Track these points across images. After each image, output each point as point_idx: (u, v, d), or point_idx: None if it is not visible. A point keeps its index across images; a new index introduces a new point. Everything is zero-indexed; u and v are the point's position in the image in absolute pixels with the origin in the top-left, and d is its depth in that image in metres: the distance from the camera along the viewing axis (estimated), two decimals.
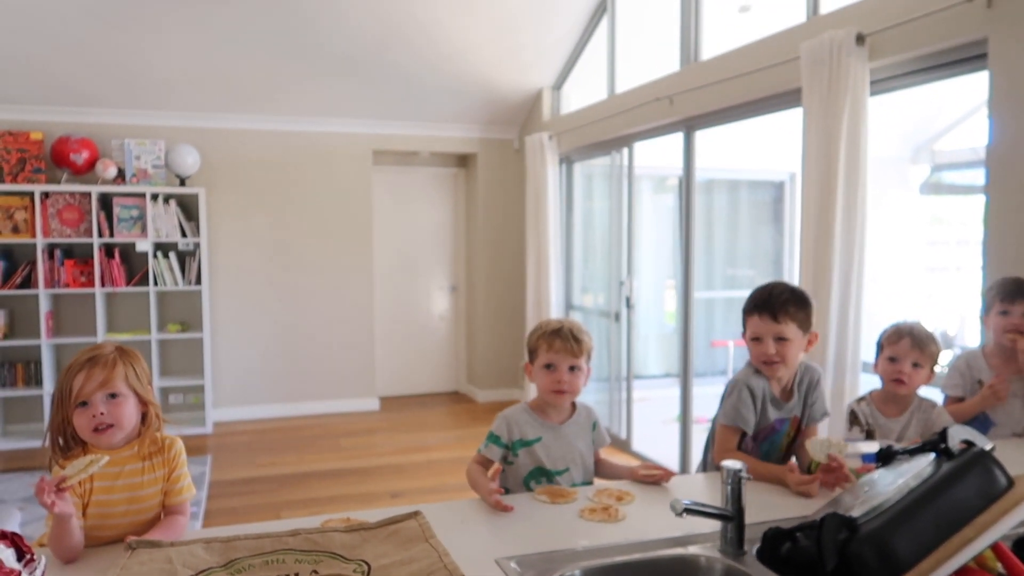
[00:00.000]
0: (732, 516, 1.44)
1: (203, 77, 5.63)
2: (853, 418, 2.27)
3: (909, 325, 2.21)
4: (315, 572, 1.34)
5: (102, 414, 1.56)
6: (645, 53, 5.37)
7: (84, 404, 1.56)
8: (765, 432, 2.08)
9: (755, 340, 2.06)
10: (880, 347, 2.24)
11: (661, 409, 5.75)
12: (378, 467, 5.08)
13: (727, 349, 6.67)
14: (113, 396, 1.58)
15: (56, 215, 5.55)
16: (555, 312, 6.01)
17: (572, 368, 2.00)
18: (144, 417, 1.65)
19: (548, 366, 2.01)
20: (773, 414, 2.07)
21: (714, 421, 2.16)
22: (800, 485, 1.83)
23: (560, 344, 1.99)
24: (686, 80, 4.44)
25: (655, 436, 5.42)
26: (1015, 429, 2.33)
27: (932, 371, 2.18)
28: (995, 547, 1.23)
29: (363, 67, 5.73)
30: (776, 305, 2.03)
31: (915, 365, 2.15)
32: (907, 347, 2.16)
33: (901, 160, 6.28)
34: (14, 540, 1.29)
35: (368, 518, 1.56)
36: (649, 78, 4.83)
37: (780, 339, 2.02)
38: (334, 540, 1.44)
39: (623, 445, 5.40)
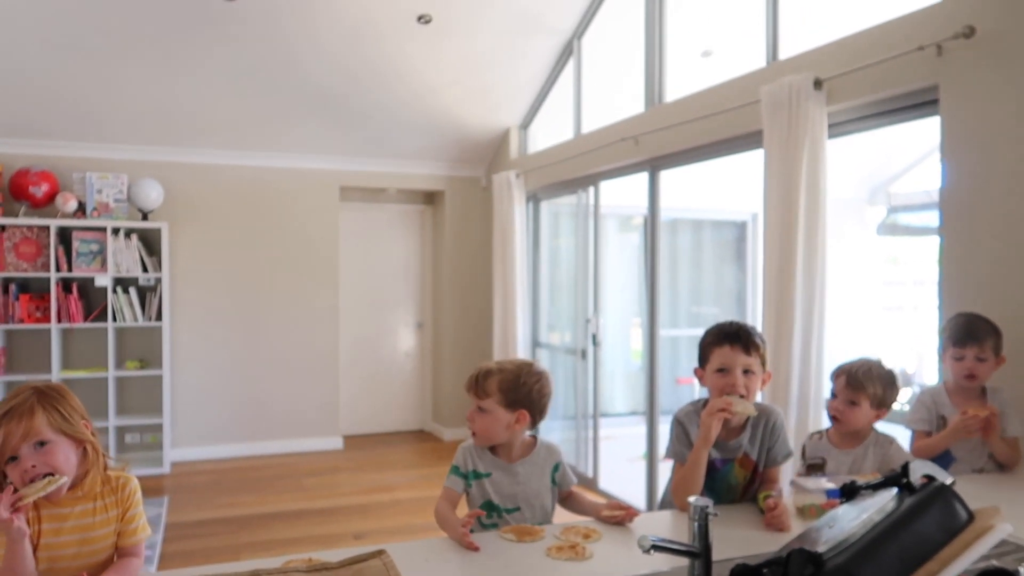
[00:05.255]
0: (699, 553, 1.43)
1: (167, 111, 5.60)
2: (803, 452, 2.31)
3: (852, 364, 2.23)
4: None
5: (33, 467, 1.49)
6: (610, 94, 5.47)
7: (15, 459, 1.49)
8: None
9: (721, 372, 2.05)
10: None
11: (627, 447, 5.74)
12: (342, 507, 4.98)
13: (692, 387, 6.70)
14: (41, 444, 1.50)
15: (12, 249, 5.43)
16: (521, 349, 6.00)
17: (481, 409, 2.04)
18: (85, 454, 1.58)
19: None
20: (712, 453, 2.05)
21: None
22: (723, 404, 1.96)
23: (470, 385, 2.07)
24: (650, 121, 4.53)
25: (622, 474, 5.40)
26: (975, 465, 2.36)
27: (879, 409, 2.19)
28: None
29: (331, 103, 5.75)
30: (747, 337, 2.06)
31: (851, 403, 2.18)
32: (842, 385, 2.20)
33: (858, 201, 6.45)
34: None
35: (331, 559, 1.52)
36: (614, 119, 4.93)
37: (747, 372, 2.04)
38: None
39: (590, 483, 5.37)
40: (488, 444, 2.06)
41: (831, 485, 1.90)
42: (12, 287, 5.44)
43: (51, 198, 5.50)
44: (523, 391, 2.04)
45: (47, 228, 5.46)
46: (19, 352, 5.69)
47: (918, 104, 3.00)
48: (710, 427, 1.96)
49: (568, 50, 5.57)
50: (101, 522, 1.56)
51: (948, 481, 1.33)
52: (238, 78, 5.35)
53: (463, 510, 1.95)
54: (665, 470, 4.39)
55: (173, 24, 4.75)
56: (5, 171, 5.50)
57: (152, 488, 5.34)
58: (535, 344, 6.34)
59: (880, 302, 6.56)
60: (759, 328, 2.17)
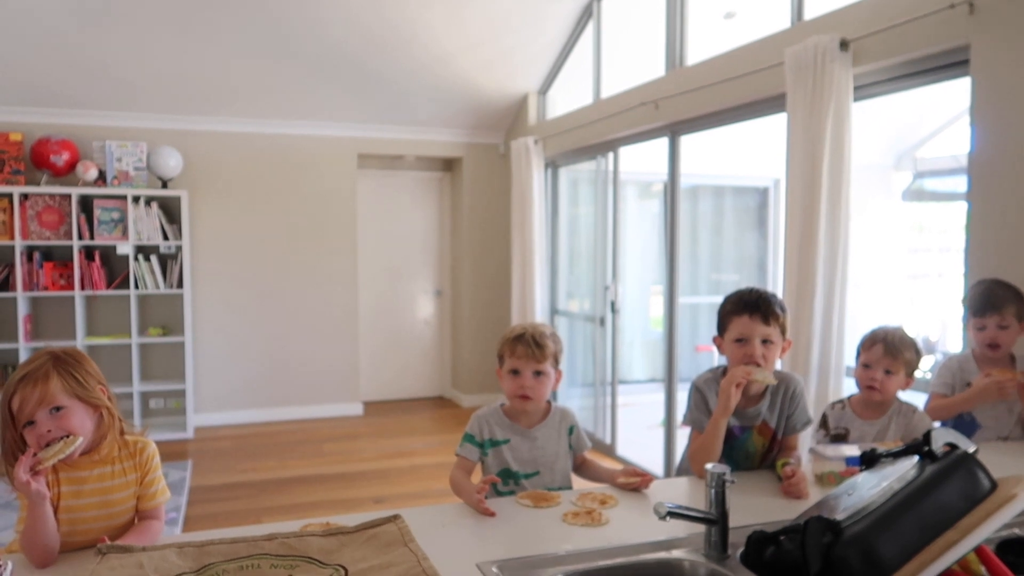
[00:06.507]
0: (716, 520, 1.43)
1: (186, 79, 5.58)
2: (823, 421, 2.27)
3: (884, 331, 2.18)
4: None
5: (49, 432, 1.50)
6: (630, 58, 5.37)
7: (31, 423, 1.50)
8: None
9: (740, 342, 2.03)
10: (858, 352, 2.24)
11: (646, 414, 5.74)
12: (361, 472, 5.04)
13: (712, 354, 6.67)
14: (57, 409, 1.51)
15: (35, 217, 5.48)
16: (540, 316, 5.99)
17: (537, 373, 2.00)
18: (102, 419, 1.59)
19: (514, 372, 2.02)
20: (730, 420, 2.03)
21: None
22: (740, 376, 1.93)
23: (522, 349, 2.00)
24: (671, 85, 4.45)
25: (639, 441, 5.41)
26: (1001, 433, 2.33)
27: (909, 377, 2.16)
28: (979, 550, 1.22)
29: (349, 70, 5.70)
30: (767, 307, 2.02)
31: (888, 372, 2.13)
32: (879, 354, 2.14)
33: (884, 167, 6.33)
34: None
35: (349, 523, 1.53)
36: (634, 83, 4.84)
37: (766, 341, 2.01)
38: (311, 545, 1.41)
39: (608, 450, 5.39)
40: (538, 406, 2.05)
41: (850, 452, 1.88)
42: (36, 255, 5.50)
43: (72, 167, 5.53)
44: (561, 350, 2.07)
45: (68, 196, 5.50)
46: (44, 319, 5.77)
47: (948, 65, 2.92)
48: (729, 396, 1.94)
49: (588, 13, 5.46)
50: (120, 485, 1.58)
51: (971, 449, 1.31)
52: (256, 45, 5.31)
53: (478, 479, 1.96)
54: (683, 437, 4.39)
55: None
56: (26, 140, 5.53)
57: (176, 452, 5.43)
58: (553, 311, 6.33)
59: (905, 269, 6.46)
60: (779, 295, 2.12)
